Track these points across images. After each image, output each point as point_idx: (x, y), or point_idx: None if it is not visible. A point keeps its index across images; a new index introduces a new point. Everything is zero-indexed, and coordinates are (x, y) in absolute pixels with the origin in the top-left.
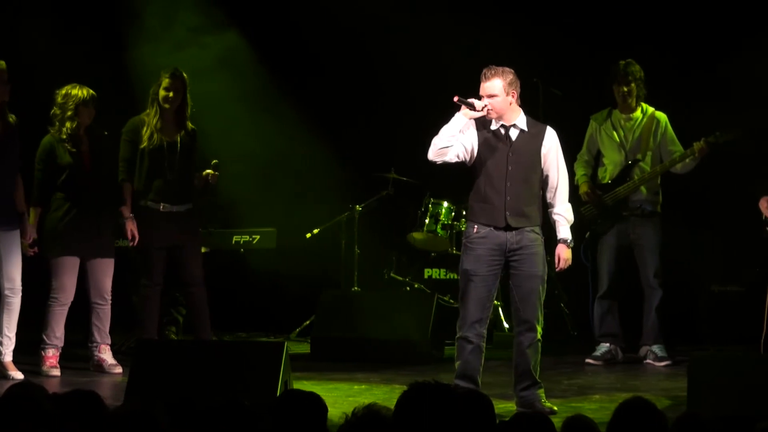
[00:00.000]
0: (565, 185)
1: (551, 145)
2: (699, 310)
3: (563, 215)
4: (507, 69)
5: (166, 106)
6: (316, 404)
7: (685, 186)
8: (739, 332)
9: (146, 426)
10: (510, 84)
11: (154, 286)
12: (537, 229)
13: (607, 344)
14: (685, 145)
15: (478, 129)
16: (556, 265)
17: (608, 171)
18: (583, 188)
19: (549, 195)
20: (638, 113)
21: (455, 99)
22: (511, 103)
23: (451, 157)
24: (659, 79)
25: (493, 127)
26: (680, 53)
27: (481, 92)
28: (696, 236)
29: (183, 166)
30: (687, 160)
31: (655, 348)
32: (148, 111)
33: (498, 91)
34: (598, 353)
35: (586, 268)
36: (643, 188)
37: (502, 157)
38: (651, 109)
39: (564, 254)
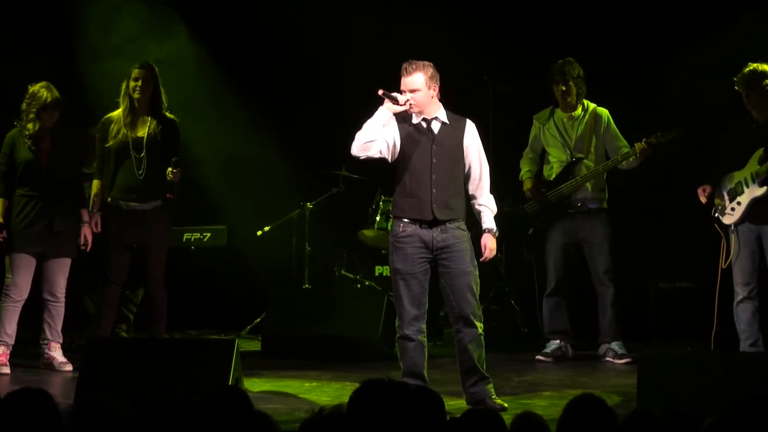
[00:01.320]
0: (487, 177)
1: (472, 137)
2: (648, 306)
3: (487, 205)
4: (427, 63)
5: (137, 96)
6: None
7: (632, 182)
8: (689, 328)
9: (107, 424)
10: (431, 78)
11: (113, 284)
12: (462, 225)
13: (557, 341)
14: (629, 141)
15: (399, 123)
16: (483, 255)
17: (554, 169)
18: (527, 185)
19: (472, 187)
20: (579, 111)
21: (380, 92)
22: (432, 97)
23: (374, 152)
24: (605, 76)
25: (415, 120)
26: (625, 52)
27: (403, 87)
28: (644, 233)
29: (151, 163)
30: (630, 159)
31: (615, 345)
32: (120, 107)
33: (420, 86)
34: (548, 350)
35: (532, 266)
36: (588, 185)
37: (426, 150)
38: (592, 106)
39: (490, 244)
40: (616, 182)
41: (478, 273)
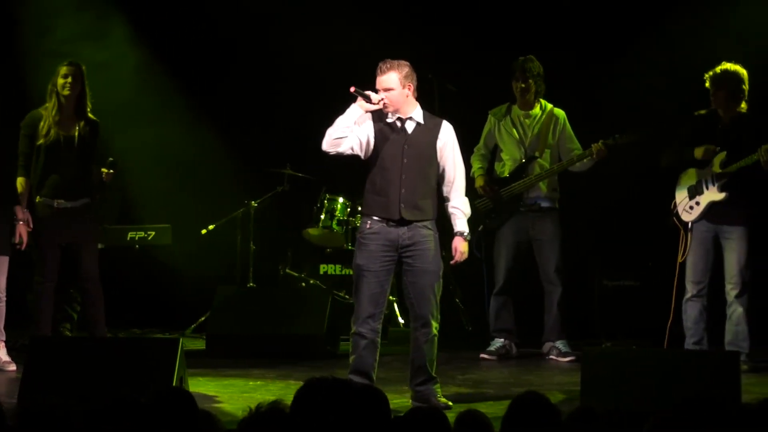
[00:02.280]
0: (462, 179)
1: (447, 138)
2: (592, 304)
3: (460, 208)
4: (403, 62)
5: (65, 93)
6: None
7: (576, 181)
8: (633, 326)
9: (52, 424)
10: (406, 77)
11: (47, 283)
12: (430, 225)
13: (502, 339)
14: (583, 143)
15: (374, 121)
16: (453, 258)
17: (506, 166)
18: (479, 182)
19: (446, 189)
20: (537, 110)
21: (352, 90)
22: (407, 96)
23: (345, 148)
24: (559, 76)
25: (389, 119)
26: (579, 52)
27: (378, 86)
28: (588, 231)
29: (80, 161)
30: (585, 160)
31: (559, 344)
32: (46, 105)
33: (394, 85)
34: (492, 348)
35: (481, 263)
36: (541, 185)
37: (398, 150)
38: (550, 106)
39: (461, 247)
40: (563, 181)
41: (442, 274)
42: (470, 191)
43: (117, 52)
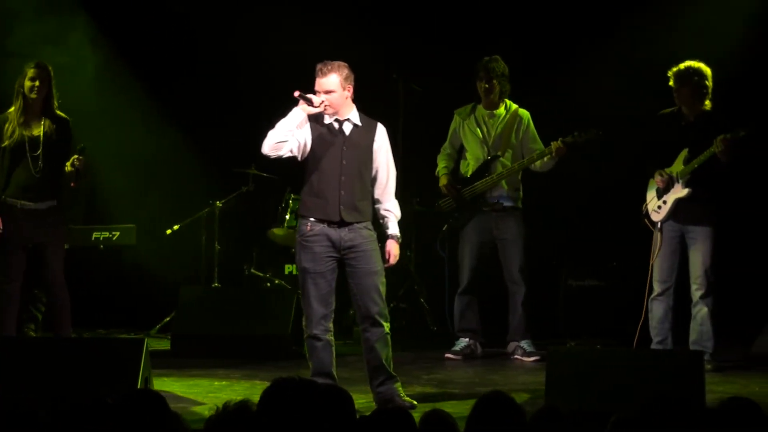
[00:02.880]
0: (394, 182)
1: (382, 141)
2: (557, 304)
3: (392, 211)
4: (342, 63)
5: (33, 96)
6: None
7: (543, 181)
8: (597, 326)
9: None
10: (346, 79)
11: (11, 283)
12: (370, 225)
13: (467, 339)
14: (547, 143)
15: (311, 123)
16: (386, 261)
17: (470, 165)
18: (443, 181)
19: (378, 191)
20: (501, 110)
21: (295, 94)
22: (347, 98)
23: (285, 151)
24: (522, 76)
25: (327, 121)
26: (543, 51)
27: (318, 88)
28: (553, 231)
29: (47, 162)
30: (545, 159)
31: (524, 344)
32: (13, 106)
33: (335, 87)
34: (457, 348)
35: (444, 263)
36: (504, 183)
37: (336, 152)
38: (514, 106)
39: (394, 250)
40: (527, 181)
41: (384, 273)
42: (435, 190)
43: (79, 53)
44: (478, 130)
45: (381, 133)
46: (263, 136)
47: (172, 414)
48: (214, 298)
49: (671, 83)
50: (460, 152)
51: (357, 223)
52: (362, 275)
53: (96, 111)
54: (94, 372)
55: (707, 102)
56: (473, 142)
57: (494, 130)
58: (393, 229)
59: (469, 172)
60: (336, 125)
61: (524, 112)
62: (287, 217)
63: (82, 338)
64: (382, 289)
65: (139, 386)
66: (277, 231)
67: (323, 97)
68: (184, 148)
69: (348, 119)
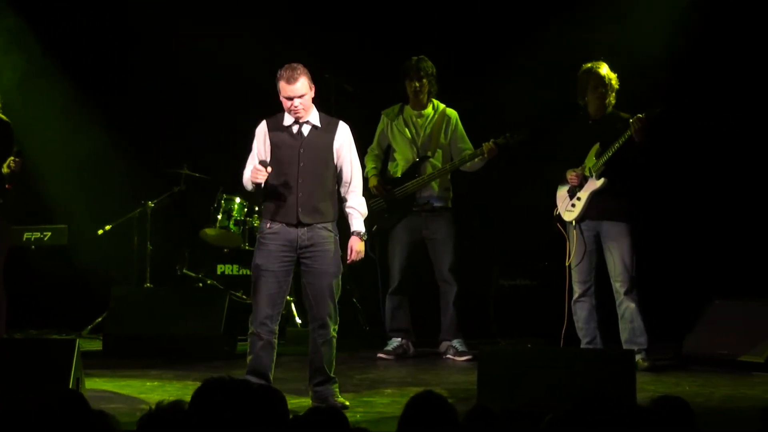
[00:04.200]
0: (359, 179)
1: (344, 139)
2: (488, 304)
3: (357, 208)
4: (302, 65)
5: None
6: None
7: (474, 181)
8: (529, 326)
9: None
10: (311, 80)
11: None
12: (330, 226)
13: (399, 339)
14: (475, 143)
15: (270, 129)
16: (348, 257)
17: (399, 166)
18: (372, 182)
19: (343, 189)
20: (429, 110)
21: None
22: (311, 99)
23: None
24: (451, 76)
25: (286, 123)
26: (469, 52)
27: (290, 93)
28: (485, 230)
29: None
30: (476, 160)
31: (455, 343)
32: None
33: (306, 90)
34: (389, 348)
35: (375, 263)
36: (434, 184)
37: (294, 154)
38: (442, 106)
39: (357, 246)
40: (459, 181)
41: (340, 276)
42: (364, 191)
43: (7, 52)
44: (407, 130)
45: (342, 131)
46: (196, 136)
47: (97, 413)
48: (146, 298)
49: (582, 84)
50: (387, 153)
51: (317, 223)
52: (316, 275)
53: (24, 111)
54: (26, 373)
55: (612, 99)
56: (402, 142)
57: (423, 130)
58: (356, 226)
59: (399, 173)
60: (295, 128)
61: (452, 112)
62: (219, 217)
63: (13, 339)
64: (336, 291)
65: (70, 387)
66: (209, 231)
67: (297, 101)
68: (116, 148)
69: (308, 121)
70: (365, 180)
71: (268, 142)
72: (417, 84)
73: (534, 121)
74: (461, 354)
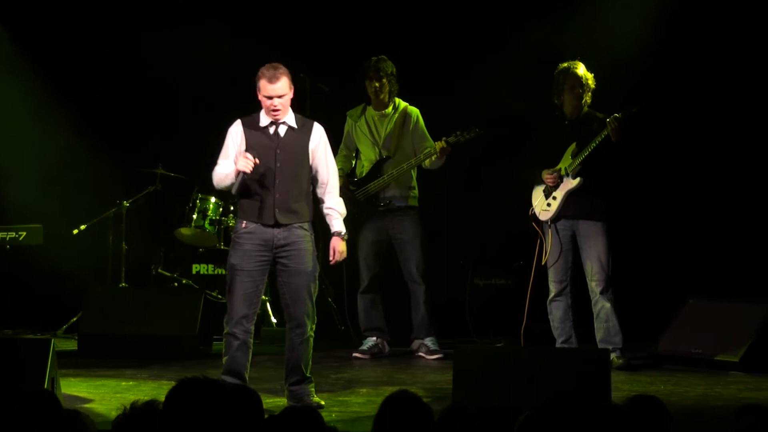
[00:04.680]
0: (336, 180)
1: (319, 140)
2: (464, 303)
3: (335, 209)
4: (282, 65)
5: None
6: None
7: (446, 179)
8: (504, 325)
9: None
10: (291, 81)
11: None
12: (306, 226)
13: (374, 338)
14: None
15: (246, 129)
16: (331, 258)
17: (364, 167)
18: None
19: (320, 191)
20: (390, 109)
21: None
22: (290, 100)
23: (229, 182)
24: (422, 77)
25: (262, 124)
26: (442, 52)
27: (271, 93)
28: (460, 229)
29: None
30: (433, 158)
31: (427, 341)
32: None
33: (287, 89)
34: (365, 347)
35: (341, 264)
36: (395, 184)
37: (270, 155)
38: (404, 104)
39: (339, 246)
40: (429, 179)
41: (317, 275)
42: None
43: None
44: (369, 130)
45: (317, 132)
46: (171, 136)
47: (70, 413)
48: (121, 298)
49: (559, 83)
50: (356, 154)
51: (293, 223)
52: (293, 274)
53: (2, 111)
54: (0, 373)
55: (588, 98)
56: (365, 143)
57: (384, 129)
58: (337, 226)
59: (363, 173)
60: (271, 128)
61: (413, 110)
62: (194, 216)
63: None
64: (313, 290)
65: (45, 387)
66: (185, 231)
67: (276, 101)
68: (91, 147)
69: (284, 122)
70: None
71: (243, 142)
72: (377, 84)
73: (493, 119)
74: (433, 353)
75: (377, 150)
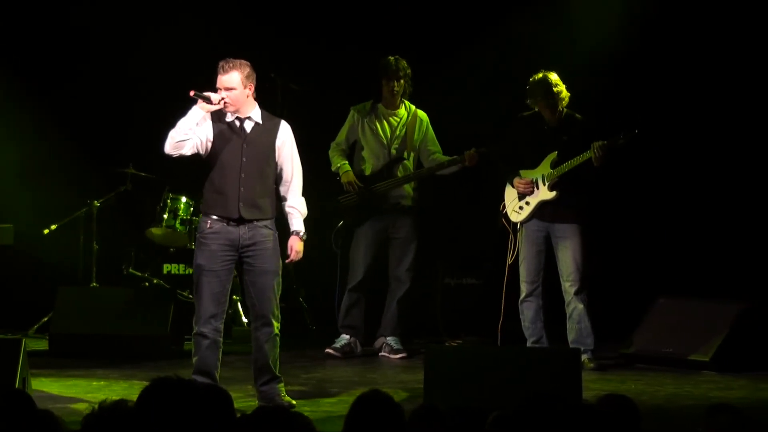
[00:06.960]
0: (299, 179)
1: (285, 138)
2: (435, 303)
3: (297, 208)
4: (244, 62)
5: None
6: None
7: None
8: (475, 324)
9: None
10: (247, 77)
11: None
12: (270, 224)
13: (347, 336)
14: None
15: (213, 121)
16: (288, 257)
17: (368, 164)
18: (348, 177)
19: (283, 188)
20: (402, 111)
21: (191, 93)
22: (248, 96)
23: (187, 150)
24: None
25: (229, 119)
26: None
27: (219, 85)
28: (431, 229)
29: None
30: (455, 167)
31: (390, 340)
32: None
33: (236, 84)
34: (337, 345)
35: (330, 261)
36: (406, 186)
37: (237, 149)
38: (414, 108)
39: (296, 246)
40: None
41: (281, 274)
42: (335, 185)
43: None
44: (380, 129)
45: (284, 130)
46: (141, 135)
47: (42, 413)
48: (92, 297)
49: (533, 93)
50: (352, 149)
51: (257, 221)
52: (258, 274)
53: None
54: None
55: (563, 104)
56: (373, 140)
57: (397, 131)
58: (296, 225)
59: (368, 171)
60: (237, 123)
61: (423, 114)
62: (165, 216)
63: None
64: (277, 289)
65: (17, 386)
66: (156, 230)
67: (223, 93)
68: (61, 147)
69: (249, 117)
70: (314, 176)
71: (211, 127)
72: (395, 83)
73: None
74: (396, 352)
75: (386, 150)
